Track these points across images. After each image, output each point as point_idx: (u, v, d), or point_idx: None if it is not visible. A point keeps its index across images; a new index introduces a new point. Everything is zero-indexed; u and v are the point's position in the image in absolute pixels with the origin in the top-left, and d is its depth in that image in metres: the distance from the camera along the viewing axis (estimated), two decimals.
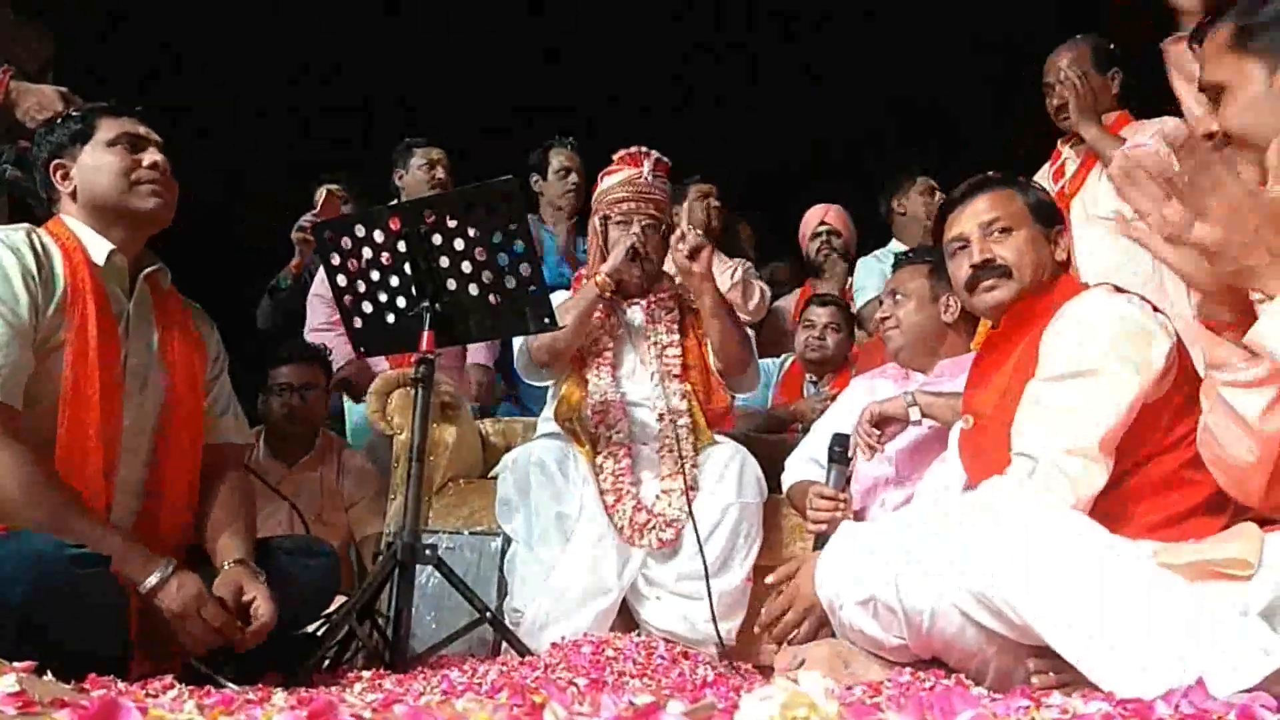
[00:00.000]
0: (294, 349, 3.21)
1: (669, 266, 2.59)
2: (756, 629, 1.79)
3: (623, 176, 2.55)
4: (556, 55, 5.06)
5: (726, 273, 3.53)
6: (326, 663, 1.84)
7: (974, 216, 1.80)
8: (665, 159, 2.59)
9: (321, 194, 3.43)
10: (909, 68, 4.76)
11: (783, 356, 3.68)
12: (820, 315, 3.34)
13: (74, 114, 1.84)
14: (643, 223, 2.50)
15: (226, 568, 1.71)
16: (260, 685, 1.50)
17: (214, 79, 4.52)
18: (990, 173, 1.88)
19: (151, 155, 1.79)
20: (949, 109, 4.88)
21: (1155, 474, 1.56)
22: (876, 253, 3.80)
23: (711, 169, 3.95)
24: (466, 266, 2.03)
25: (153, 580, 1.55)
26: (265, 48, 4.54)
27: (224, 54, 4.51)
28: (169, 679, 1.34)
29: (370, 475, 3.13)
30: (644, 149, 2.58)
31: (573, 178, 3.68)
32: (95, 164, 1.77)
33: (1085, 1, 3.68)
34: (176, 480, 1.77)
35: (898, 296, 2.36)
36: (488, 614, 2.01)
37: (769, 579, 1.78)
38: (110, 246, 1.73)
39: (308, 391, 3.10)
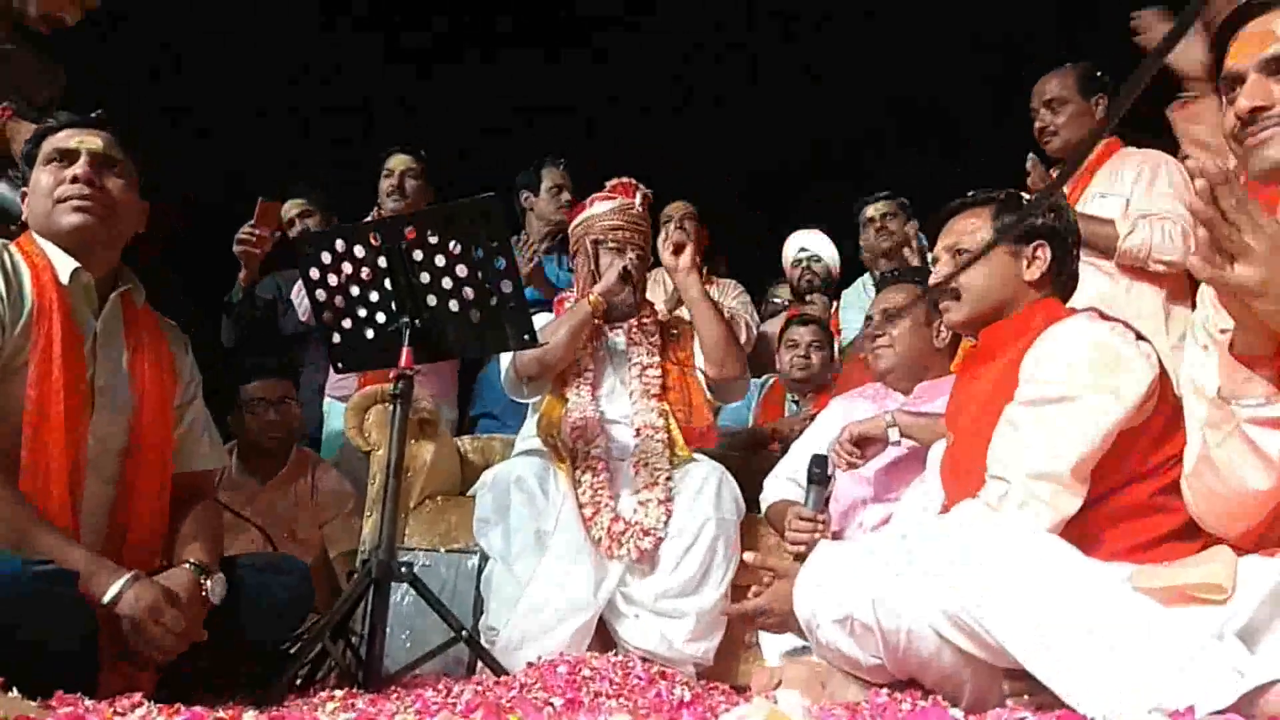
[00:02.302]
0: (263, 364, 3.18)
1: (651, 294, 2.65)
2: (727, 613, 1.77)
3: (617, 204, 2.62)
4: (557, 55, 5.05)
5: None
6: (299, 682, 1.82)
7: (944, 238, 1.87)
8: (650, 192, 2.67)
9: (258, 204, 3.37)
10: (909, 68, 4.74)
11: (765, 377, 3.69)
12: (802, 334, 3.36)
13: (29, 138, 1.83)
14: (635, 252, 2.59)
15: (183, 568, 1.68)
16: (231, 704, 1.48)
17: (214, 79, 4.49)
18: (974, 192, 1.88)
19: (75, 169, 1.73)
20: (949, 109, 4.86)
21: (1130, 500, 1.57)
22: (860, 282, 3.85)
23: (711, 169, 3.92)
24: (447, 282, 2.02)
25: (113, 591, 1.52)
26: (265, 48, 4.52)
27: (224, 54, 4.48)
28: (137, 697, 1.32)
29: (345, 492, 3.10)
30: (634, 181, 2.67)
31: (565, 195, 3.71)
32: (34, 187, 1.77)
33: (1084, 1, 3.67)
34: (145, 500, 1.74)
35: (890, 316, 2.35)
36: (463, 633, 1.99)
37: (746, 555, 1.76)
38: (74, 265, 1.71)
39: (282, 405, 3.08)
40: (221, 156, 4.21)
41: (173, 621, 1.55)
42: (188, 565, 1.69)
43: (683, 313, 2.76)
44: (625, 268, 2.53)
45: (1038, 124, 2.97)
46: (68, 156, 1.75)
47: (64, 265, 1.71)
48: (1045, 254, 1.75)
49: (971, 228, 1.82)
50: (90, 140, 1.77)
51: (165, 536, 1.78)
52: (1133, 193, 2.76)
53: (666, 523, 2.32)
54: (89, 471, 1.66)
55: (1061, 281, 1.79)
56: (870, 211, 3.78)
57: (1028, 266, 1.75)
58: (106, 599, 1.52)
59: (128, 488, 1.72)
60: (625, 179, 2.68)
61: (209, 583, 1.68)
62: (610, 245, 2.59)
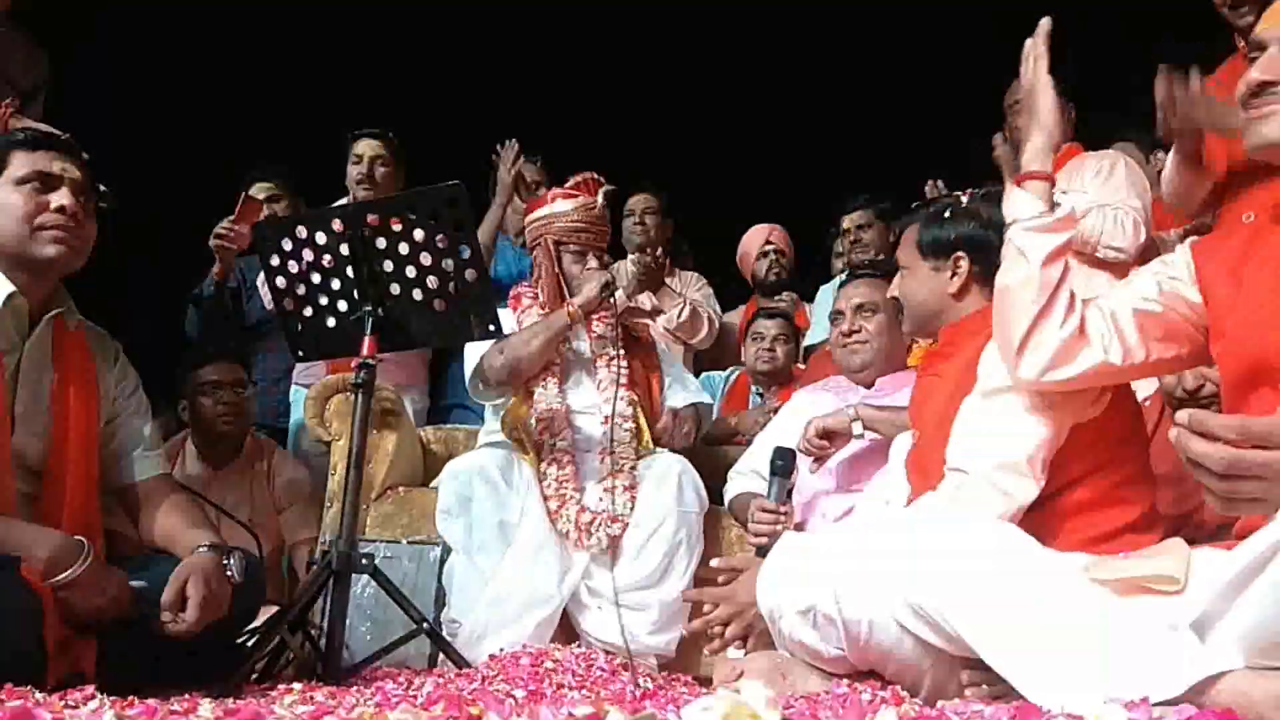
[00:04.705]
0: (215, 348, 3.13)
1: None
2: (686, 631, 1.80)
3: (579, 203, 2.60)
4: (555, 59, 5.02)
5: (674, 310, 3.57)
6: (255, 675, 1.79)
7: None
8: (613, 188, 2.66)
9: (240, 199, 3.32)
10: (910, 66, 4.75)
11: (729, 370, 3.70)
12: (769, 327, 3.37)
13: None
14: (598, 255, 2.58)
15: (199, 551, 1.68)
16: (186, 695, 1.45)
17: (211, 79, 4.47)
18: (917, 204, 2.01)
19: (61, 198, 1.67)
20: (940, 96, 4.74)
21: (1088, 492, 1.59)
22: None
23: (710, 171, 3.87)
24: (411, 271, 2.00)
25: (66, 575, 1.51)
26: (263, 50, 4.52)
27: (221, 55, 4.47)
28: (89, 689, 1.30)
29: (303, 480, 3.06)
30: (597, 176, 2.64)
31: (541, 191, 3.68)
32: (1, 203, 1.68)
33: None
34: (65, 517, 1.69)
35: (865, 311, 2.36)
36: (424, 625, 1.98)
37: (712, 562, 1.80)
38: (10, 289, 1.66)
39: (237, 389, 3.03)
40: (220, 155, 4.13)
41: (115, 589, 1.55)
42: (204, 548, 1.69)
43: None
44: (609, 282, 2.48)
45: (1016, 124, 2.99)
46: (48, 182, 1.69)
47: None
48: (964, 265, 1.82)
49: (905, 241, 1.91)
50: (72, 170, 1.72)
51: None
52: (1092, 188, 2.80)
53: (633, 509, 2.32)
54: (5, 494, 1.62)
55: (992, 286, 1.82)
56: (845, 223, 3.76)
57: (951, 278, 1.83)
58: (61, 579, 1.50)
59: (44, 504, 1.68)
60: (588, 175, 2.65)
61: (230, 560, 1.69)
62: (573, 248, 2.58)
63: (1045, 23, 1.57)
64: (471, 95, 4.96)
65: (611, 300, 2.52)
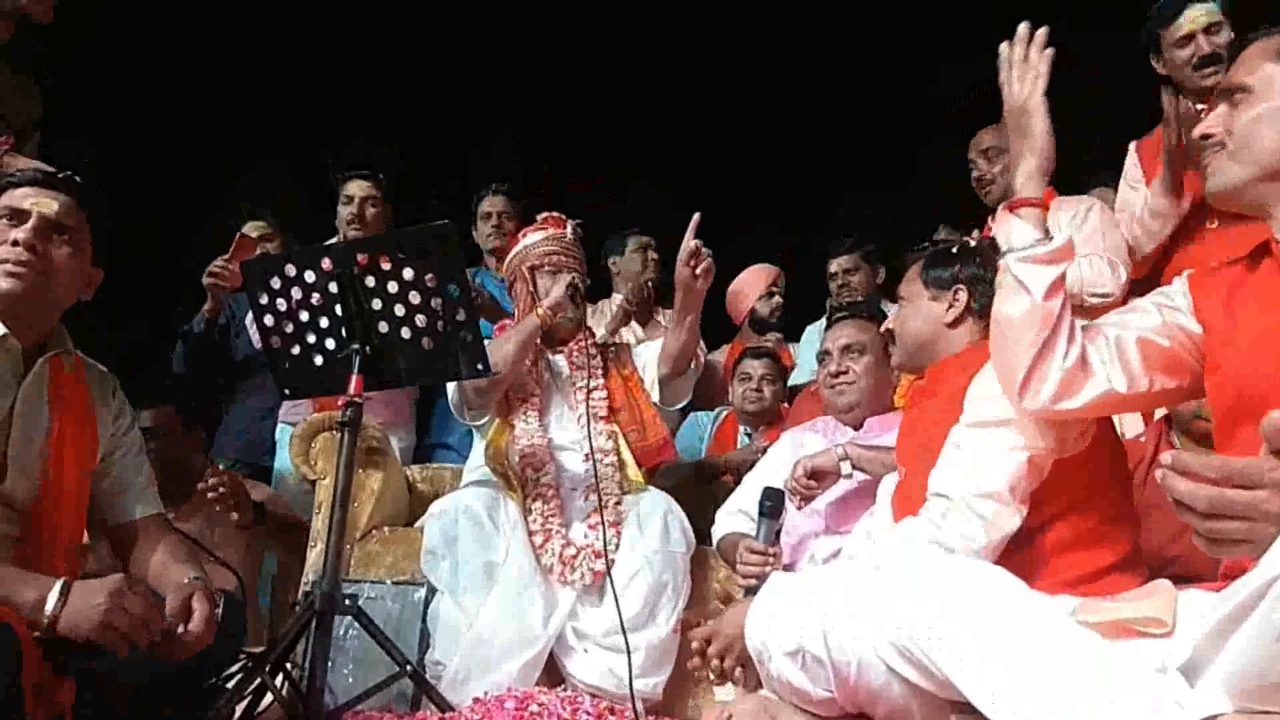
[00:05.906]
0: (149, 391, 3.09)
1: (592, 321, 2.72)
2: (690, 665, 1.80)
3: (549, 233, 2.69)
4: (552, 64, 5.06)
5: (659, 341, 3.58)
6: (236, 718, 1.76)
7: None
8: (580, 222, 2.74)
9: (236, 239, 3.32)
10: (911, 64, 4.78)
11: (717, 410, 3.69)
12: (756, 367, 3.37)
13: None
14: (572, 275, 2.62)
15: (185, 583, 1.65)
16: None
17: (212, 79, 4.51)
18: (926, 243, 2.08)
19: (18, 232, 1.67)
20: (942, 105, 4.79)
21: (1069, 531, 1.60)
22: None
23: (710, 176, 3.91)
24: (399, 309, 2.00)
25: (49, 608, 1.46)
26: (258, 55, 4.56)
27: (222, 54, 4.51)
28: None
29: (276, 495, 3.04)
30: (562, 215, 2.74)
31: (493, 221, 3.73)
32: None
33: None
34: (51, 556, 1.67)
35: (852, 352, 2.39)
36: (408, 667, 1.95)
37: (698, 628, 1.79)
38: (2, 331, 1.65)
39: (163, 433, 3.00)
40: (218, 158, 4.17)
41: (133, 607, 1.49)
42: (190, 579, 1.66)
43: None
44: (573, 281, 2.57)
45: (975, 174, 3.05)
46: (18, 217, 1.69)
47: None
48: (962, 298, 1.88)
49: (909, 277, 1.96)
50: (45, 203, 1.71)
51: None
52: (1068, 232, 2.84)
53: (618, 545, 2.31)
54: None
55: (985, 322, 1.84)
56: (833, 267, 3.81)
57: (948, 309, 1.87)
58: (46, 617, 1.46)
59: (29, 546, 1.66)
60: (554, 213, 2.74)
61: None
62: (548, 270, 2.64)
63: (1043, 33, 1.46)
64: (474, 105, 5.02)
65: (578, 304, 2.59)
